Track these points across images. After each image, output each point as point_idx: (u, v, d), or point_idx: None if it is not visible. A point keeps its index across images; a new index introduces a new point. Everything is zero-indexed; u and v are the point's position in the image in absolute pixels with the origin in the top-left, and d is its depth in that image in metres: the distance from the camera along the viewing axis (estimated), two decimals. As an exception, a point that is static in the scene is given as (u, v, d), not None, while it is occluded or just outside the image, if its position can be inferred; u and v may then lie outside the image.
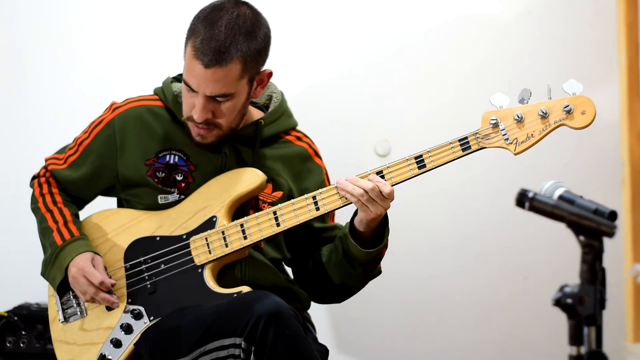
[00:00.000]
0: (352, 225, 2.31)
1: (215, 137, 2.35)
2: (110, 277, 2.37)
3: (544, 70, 3.15)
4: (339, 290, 2.44)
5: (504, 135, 2.20)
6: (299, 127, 2.54)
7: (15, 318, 2.74)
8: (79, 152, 2.48)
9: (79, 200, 2.55)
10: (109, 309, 2.38)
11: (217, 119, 2.32)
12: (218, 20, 2.25)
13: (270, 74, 2.37)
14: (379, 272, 2.42)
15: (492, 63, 3.20)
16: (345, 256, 2.34)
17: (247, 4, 2.33)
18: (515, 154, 2.21)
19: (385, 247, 2.35)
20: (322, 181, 2.48)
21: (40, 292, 2.57)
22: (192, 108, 2.31)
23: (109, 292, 2.35)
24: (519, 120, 2.19)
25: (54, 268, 2.38)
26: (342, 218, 2.49)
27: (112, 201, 2.56)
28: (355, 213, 2.31)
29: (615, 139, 3.17)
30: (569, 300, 1.54)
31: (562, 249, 3.02)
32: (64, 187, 2.52)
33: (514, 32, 3.20)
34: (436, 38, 3.20)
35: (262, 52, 2.31)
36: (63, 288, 2.40)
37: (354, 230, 2.31)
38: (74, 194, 2.53)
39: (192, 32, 2.28)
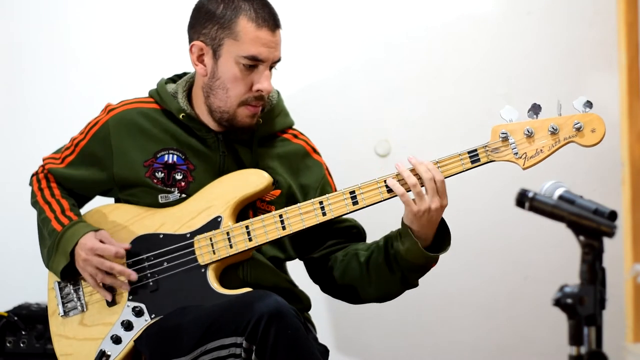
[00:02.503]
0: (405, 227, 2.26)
1: (259, 113, 2.39)
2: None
3: (544, 70, 3.15)
4: (373, 292, 2.38)
5: (513, 149, 2.22)
6: (295, 126, 2.54)
7: (15, 318, 2.74)
8: (75, 153, 2.49)
9: (78, 197, 2.55)
10: (110, 305, 2.38)
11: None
12: None
13: None
14: (416, 284, 2.37)
15: (492, 63, 3.20)
16: (389, 256, 2.30)
17: None
18: (524, 169, 2.22)
19: (435, 261, 2.30)
20: (323, 176, 2.48)
21: (40, 292, 2.57)
22: (248, 88, 2.33)
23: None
24: (529, 135, 2.20)
25: (58, 255, 2.37)
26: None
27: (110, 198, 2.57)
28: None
29: (615, 139, 3.17)
30: (569, 300, 1.54)
31: (562, 249, 3.02)
32: (62, 183, 2.52)
33: (514, 31, 3.20)
34: (436, 38, 3.20)
35: None
36: (67, 274, 2.39)
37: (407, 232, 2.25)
38: (72, 190, 2.53)
39: (235, 11, 2.31)
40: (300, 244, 2.47)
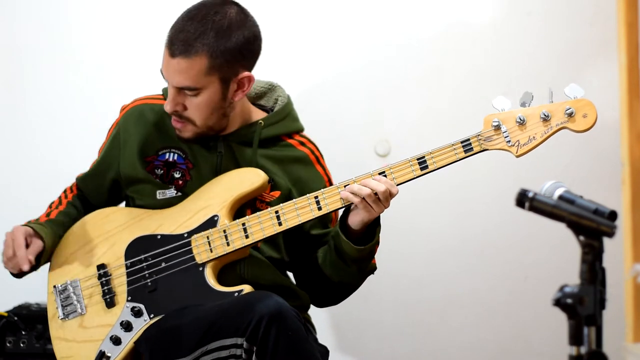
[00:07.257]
0: (344, 223, 2.31)
1: (191, 133, 2.36)
2: (110, 274, 2.39)
3: (544, 70, 3.15)
4: (338, 289, 2.43)
5: (505, 137, 2.22)
6: (305, 133, 2.53)
7: (15, 318, 2.74)
8: (98, 156, 2.53)
9: (91, 206, 2.55)
10: (109, 306, 2.38)
11: (188, 114, 2.32)
12: (196, 15, 2.28)
13: (250, 79, 2.33)
14: (374, 268, 2.41)
15: (491, 63, 3.20)
16: (339, 254, 2.33)
17: (237, 5, 2.33)
18: (517, 157, 2.23)
19: (377, 243, 2.34)
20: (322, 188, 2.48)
21: (40, 292, 2.56)
22: None
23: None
24: (521, 123, 2.21)
25: None
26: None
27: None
28: (345, 212, 2.31)
29: (615, 139, 3.17)
30: (569, 300, 1.54)
31: (562, 249, 3.02)
32: (83, 192, 2.54)
33: (513, 32, 3.20)
34: (436, 38, 3.20)
35: (236, 53, 2.28)
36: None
37: (345, 228, 2.31)
38: (90, 198, 2.54)
39: (173, 23, 2.32)
40: (293, 250, 2.47)
